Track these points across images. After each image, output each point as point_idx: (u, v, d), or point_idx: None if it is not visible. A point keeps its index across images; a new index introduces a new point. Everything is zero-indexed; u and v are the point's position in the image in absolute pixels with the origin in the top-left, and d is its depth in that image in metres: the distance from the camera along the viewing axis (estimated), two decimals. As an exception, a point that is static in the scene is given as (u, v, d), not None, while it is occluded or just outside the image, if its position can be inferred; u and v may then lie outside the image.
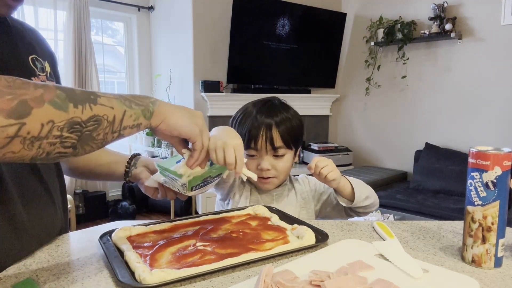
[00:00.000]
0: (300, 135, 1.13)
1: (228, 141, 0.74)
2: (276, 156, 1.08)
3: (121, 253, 0.70)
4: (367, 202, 1.06)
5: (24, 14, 3.27)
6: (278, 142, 1.06)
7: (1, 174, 0.69)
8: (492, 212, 0.66)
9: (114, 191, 4.02)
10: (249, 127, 1.07)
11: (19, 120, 0.50)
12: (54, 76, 0.85)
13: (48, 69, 0.82)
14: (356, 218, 1.08)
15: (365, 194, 1.06)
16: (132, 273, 0.62)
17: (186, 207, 3.74)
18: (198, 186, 0.79)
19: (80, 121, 0.55)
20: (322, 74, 4.29)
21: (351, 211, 1.09)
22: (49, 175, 0.81)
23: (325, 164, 1.00)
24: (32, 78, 0.76)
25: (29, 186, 0.75)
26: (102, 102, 0.59)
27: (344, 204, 1.05)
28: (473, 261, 0.69)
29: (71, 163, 0.96)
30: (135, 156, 0.97)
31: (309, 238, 0.76)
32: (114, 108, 0.60)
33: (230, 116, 1.16)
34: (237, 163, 0.73)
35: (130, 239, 0.77)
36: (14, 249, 0.71)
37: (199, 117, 0.72)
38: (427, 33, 3.59)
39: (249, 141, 1.07)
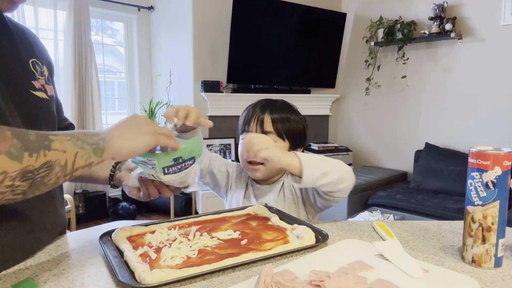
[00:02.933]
0: (299, 134, 1.13)
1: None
2: None
3: (121, 253, 0.70)
4: (328, 180, 0.92)
5: (24, 14, 3.27)
6: (268, 126, 1.09)
7: None
8: (492, 212, 0.66)
9: (114, 191, 4.02)
10: (246, 115, 1.13)
11: None
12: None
13: (46, 73, 0.82)
14: (356, 218, 1.07)
15: (322, 170, 0.91)
16: (132, 273, 0.62)
17: (186, 207, 3.74)
18: (171, 169, 0.78)
19: (33, 169, 0.55)
20: (322, 74, 4.29)
21: (323, 196, 1.00)
22: None
23: (259, 140, 0.93)
24: (33, 81, 0.76)
25: None
26: (55, 146, 0.58)
27: (295, 184, 0.95)
28: (473, 261, 0.69)
29: None
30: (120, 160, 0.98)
31: (309, 238, 0.76)
32: (66, 152, 0.59)
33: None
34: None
35: (130, 239, 0.77)
36: (18, 250, 0.71)
37: (144, 123, 0.72)
38: (427, 33, 3.59)
39: (244, 126, 1.12)
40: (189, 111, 0.81)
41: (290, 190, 1.12)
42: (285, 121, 1.10)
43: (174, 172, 0.79)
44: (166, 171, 0.78)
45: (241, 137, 1.14)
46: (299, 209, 1.11)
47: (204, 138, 3.65)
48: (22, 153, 0.54)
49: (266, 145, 0.91)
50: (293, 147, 1.12)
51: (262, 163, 1.07)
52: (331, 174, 0.92)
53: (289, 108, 1.15)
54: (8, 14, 0.77)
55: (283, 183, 1.14)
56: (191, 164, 0.82)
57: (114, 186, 0.97)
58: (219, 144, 3.68)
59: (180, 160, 0.79)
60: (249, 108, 1.14)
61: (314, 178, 0.91)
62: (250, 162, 1.09)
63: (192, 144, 0.81)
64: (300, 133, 1.13)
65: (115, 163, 0.97)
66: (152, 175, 0.80)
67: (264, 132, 1.08)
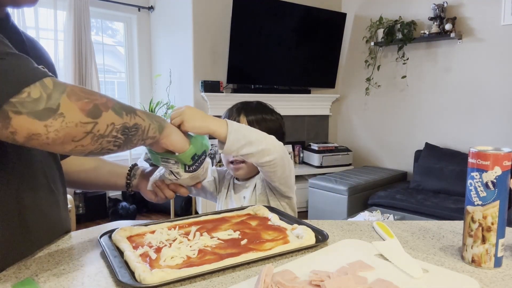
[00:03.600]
0: (275, 132, 1.11)
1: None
2: None
3: (121, 253, 0.70)
4: (252, 150, 0.92)
5: (24, 14, 3.26)
6: None
7: (10, 179, 0.70)
8: (492, 212, 0.66)
9: (113, 191, 4.02)
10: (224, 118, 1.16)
11: (94, 120, 0.61)
12: None
13: None
14: (356, 218, 1.08)
15: (248, 139, 0.92)
16: (132, 273, 0.62)
17: (186, 207, 3.74)
18: (191, 168, 0.84)
19: (129, 126, 0.67)
20: (322, 74, 4.29)
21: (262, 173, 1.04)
22: (54, 178, 0.82)
23: (181, 111, 0.87)
24: None
25: (36, 189, 0.75)
26: (139, 114, 0.70)
27: (220, 151, 0.94)
28: (473, 261, 0.69)
29: (71, 176, 0.97)
30: (133, 167, 1.04)
31: (309, 238, 0.76)
32: (145, 120, 0.71)
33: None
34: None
35: (130, 239, 0.77)
36: (18, 251, 0.71)
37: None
38: (427, 33, 3.59)
39: None
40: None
41: (261, 180, 1.14)
42: (261, 122, 1.14)
43: (194, 170, 0.85)
44: (187, 169, 0.84)
45: None
46: (267, 196, 1.13)
47: (204, 138, 3.65)
48: (122, 111, 0.65)
49: (182, 118, 0.85)
50: None
51: (243, 162, 1.12)
52: (256, 144, 0.93)
53: (264, 108, 1.18)
54: (10, 18, 0.78)
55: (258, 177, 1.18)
56: (204, 159, 0.86)
57: (131, 192, 1.05)
58: (219, 144, 3.68)
59: (196, 157, 0.84)
60: (226, 112, 1.17)
61: (238, 146, 0.91)
62: (231, 162, 1.14)
63: (197, 138, 0.85)
64: (277, 131, 1.14)
65: (129, 170, 1.02)
66: (171, 172, 0.85)
67: None
